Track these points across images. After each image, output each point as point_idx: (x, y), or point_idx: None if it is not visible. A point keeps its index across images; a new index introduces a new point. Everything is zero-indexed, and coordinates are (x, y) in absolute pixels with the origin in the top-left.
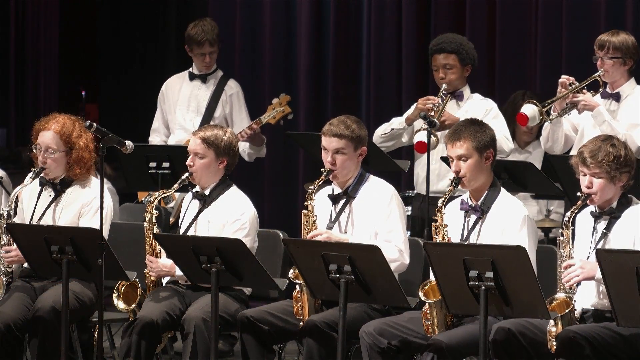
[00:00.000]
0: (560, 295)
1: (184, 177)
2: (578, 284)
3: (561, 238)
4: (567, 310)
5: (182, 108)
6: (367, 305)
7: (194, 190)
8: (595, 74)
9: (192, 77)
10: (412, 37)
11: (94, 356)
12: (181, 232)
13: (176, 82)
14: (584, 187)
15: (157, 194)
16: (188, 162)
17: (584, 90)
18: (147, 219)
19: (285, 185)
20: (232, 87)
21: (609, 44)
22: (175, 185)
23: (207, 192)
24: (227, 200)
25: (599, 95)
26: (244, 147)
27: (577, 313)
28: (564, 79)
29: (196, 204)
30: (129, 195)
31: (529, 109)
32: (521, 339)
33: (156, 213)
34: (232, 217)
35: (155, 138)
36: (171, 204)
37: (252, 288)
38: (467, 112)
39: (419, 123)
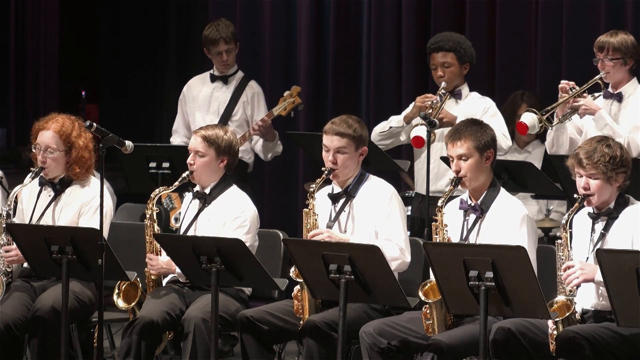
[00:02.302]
0: (561, 298)
1: (184, 175)
2: (578, 286)
3: (559, 241)
4: (568, 314)
5: (202, 110)
6: (367, 305)
7: (194, 189)
8: (597, 77)
9: (213, 79)
10: (412, 37)
11: (94, 356)
12: (181, 232)
13: (197, 84)
14: (581, 188)
15: (157, 190)
16: (189, 160)
17: (585, 94)
18: (147, 215)
19: (285, 185)
20: (253, 87)
21: (608, 45)
22: (176, 183)
23: (207, 191)
24: (227, 199)
25: (600, 97)
26: (257, 146)
27: (577, 315)
28: (564, 84)
29: (196, 203)
30: (128, 195)
31: (528, 118)
32: (521, 339)
33: (157, 209)
34: (232, 214)
35: (176, 139)
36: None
37: (252, 288)
38: (465, 110)
39: (417, 121)
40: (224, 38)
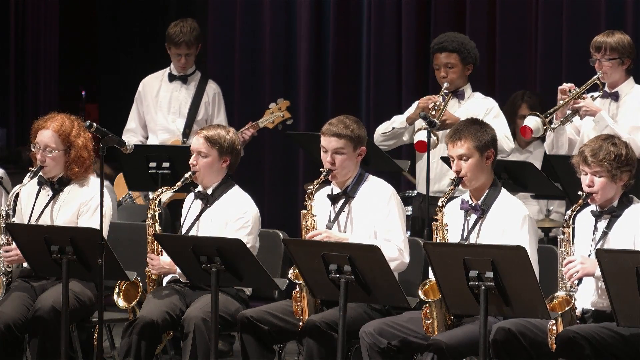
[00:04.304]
0: (561, 293)
1: (186, 175)
2: (579, 282)
3: (562, 236)
4: (567, 308)
5: (162, 110)
6: (367, 305)
7: (196, 190)
8: (594, 77)
9: (171, 78)
10: (412, 37)
11: (94, 356)
12: (183, 232)
13: (154, 83)
14: (585, 186)
15: (159, 191)
16: (191, 161)
17: (585, 95)
18: (149, 215)
19: (285, 185)
20: (214, 88)
21: (605, 45)
22: (178, 183)
23: (209, 191)
24: (229, 199)
25: (599, 98)
26: None
27: (577, 312)
28: (564, 86)
29: (198, 203)
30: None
31: (532, 122)
32: (521, 339)
33: (158, 209)
34: (234, 215)
35: (131, 138)
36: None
37: (252, 288)
38: (468, 111)
39: (420, 122)
40: (186, 42)
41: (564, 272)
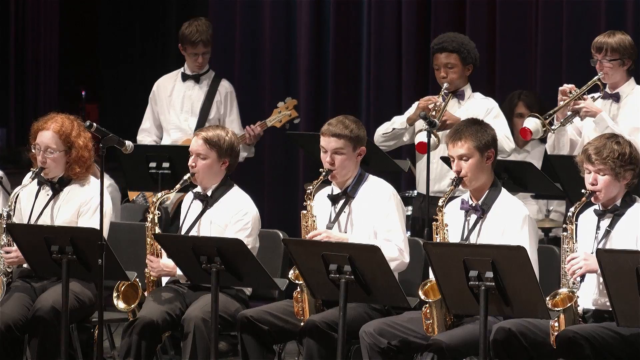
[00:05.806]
0: (563, 290)
1: (185, 177)
2: (582, 279)
3: (565, 233)
4: (569, 304)
5: (175, 109)
6: (367, 305)
7: (195, 190)
8: (595, 78)
9: (185, 77)
10: (412, 37)
11: (94, 356)
12: (183, 233)
13: (168, 82)
14: (589, 184)
15: (159, 194)
16: (190, 162)
17: (585, 97)
18: (149, 219)
19: (285, 185)
20: (226, 87)
21: (606, 45)
22: (177, 186)
23: (208, 193)
24: (229, 201)
25: (600, 99)
26: None
27: (580, 310)
28: (564, 87)
29: (198, 204)
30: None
31: (532, 123)
32: (522, 339)
33: (158, 213)
34: (234, 217)
35: (146, 138)
36: (166, 203)
37: (252, 288)
38: (468, 111)
39: (421, 123)
40: (203, 41)
41: (566, 268)
